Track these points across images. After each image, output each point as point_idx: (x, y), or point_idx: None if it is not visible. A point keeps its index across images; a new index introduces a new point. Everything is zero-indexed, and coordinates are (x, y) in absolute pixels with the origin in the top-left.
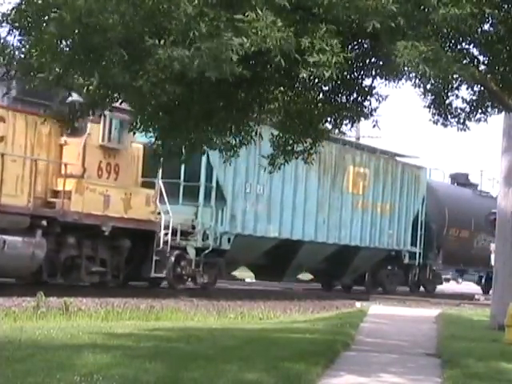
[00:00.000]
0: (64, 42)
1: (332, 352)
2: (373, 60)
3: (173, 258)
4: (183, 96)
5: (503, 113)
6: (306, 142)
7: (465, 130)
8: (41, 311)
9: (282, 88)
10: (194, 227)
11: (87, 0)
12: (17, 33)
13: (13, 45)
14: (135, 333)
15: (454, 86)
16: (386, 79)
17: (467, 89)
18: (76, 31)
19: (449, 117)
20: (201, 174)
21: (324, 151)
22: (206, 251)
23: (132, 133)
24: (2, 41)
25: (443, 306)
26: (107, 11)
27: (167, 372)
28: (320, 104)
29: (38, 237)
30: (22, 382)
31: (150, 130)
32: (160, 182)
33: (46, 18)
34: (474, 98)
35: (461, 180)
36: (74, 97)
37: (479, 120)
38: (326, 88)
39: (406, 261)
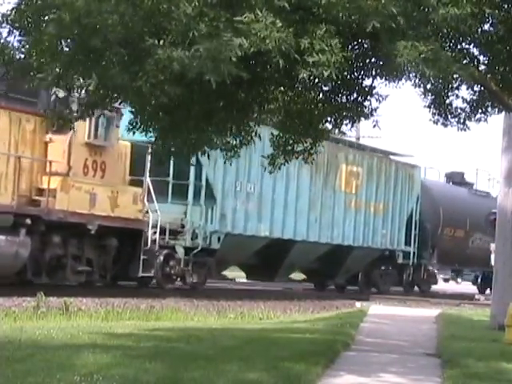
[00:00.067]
0: (63, 43)
1: (332, 352)
2: (373, 60)
3: (161, 258)
4: (183, 96)
5: (503, 113)
6: (306, 142)
7: (465, 130)
8: (41, 311)
9: (282, 88)
10: (183, 226)
11: (86, 0)
12: (17, 33)
13: (12, 45)
14: (135, 333)
15: (454, 85)
16: (386, 79)
17: (467, 89)
18: (75, 32)
19: (449, 117)
20: (190, 172)
21: None
22: (196, 250)
23: (118, 130)
24: (2, 41)
25: (443, 306)
26: (106, 11)
27: (167, 372)
28: (320, 104)
29: (21, 235)
30: (22, 382)
31: (150, 130)
32: (148, 180)
33: (46, 18)
34: (474, 97)
35: (456, 179)
36: (61, 93)
37: (479, 120)
38: (326, 88)
39: (400, 260)
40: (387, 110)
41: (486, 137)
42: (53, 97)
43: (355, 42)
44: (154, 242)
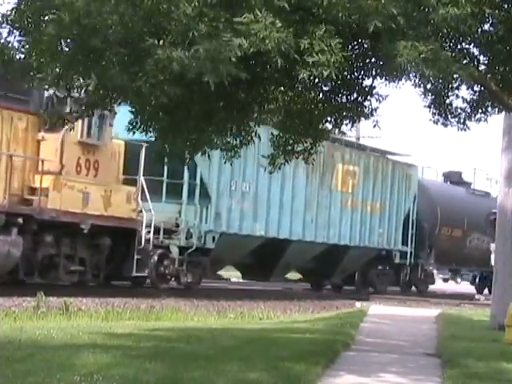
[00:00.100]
0: (63, 43)
1: (332, 352)
2: (373, 60)
3: (156, 257)
4: (183, 96)
5: (503, 113)
6: (306, 142)
7: (465, 130)
8: (41, 311)
9: (282, 88)
10: (177, 225)
11: (86, 1)
12: (17, 33)
13: (12, 45)
14: (135, 333)
15: (454, 85)
16: (386, 79)
17: (467, 89)
18: (75, 32)
19: (449, 117)
20: (184, 171)
21: None
22: (190, 250)
23: (112, 129)
24: (2, 41)
25: (443, 306)
26: (106, 12)
27: (167, 372)
28: (320, 104)
29: (13, 235)
30: (22, 382)
31: (151, 130)
32: (142, 179)
33: (45, 18)
34: (474, 97)
35: (454, 178)
36: (57, 92)
37: (479, 120)
38: (326, 88)
39: (397, 260)
40: (386, 110)
41: (484, 136)
42: (45, 95)
43: (355, 42)
44: (148, 241)
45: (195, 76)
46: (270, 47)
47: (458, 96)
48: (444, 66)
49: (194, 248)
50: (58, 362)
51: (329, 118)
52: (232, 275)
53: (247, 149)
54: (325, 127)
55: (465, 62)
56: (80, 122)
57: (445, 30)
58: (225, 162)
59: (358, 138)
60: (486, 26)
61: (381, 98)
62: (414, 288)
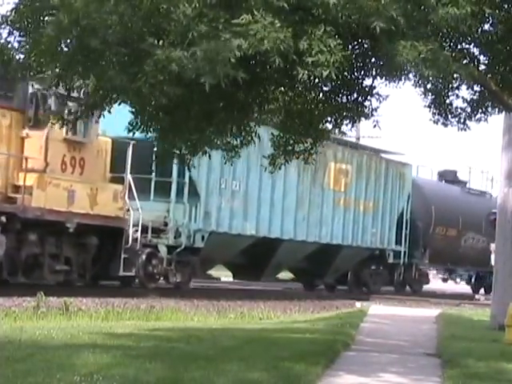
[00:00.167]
0: (63, 43)
1: (332, 352)
2: (373, 60)
3: (144, 256)
4: (183, 97)
5: (503, 112)
6: (306, 142)
7: (465, 130)
8: (41, 311)
9: (282, 88)
10: (166, 224)
11: (85, 1)
12: (17, 34)
13: (12, 45)
14: (135, 333)
15: (454, 85)
16: (386, 79)
17: (467, 89)
18: (74, 33)
19: (449, 116)
20: (173, 169)
21: None
22: (179, 249)
23: (98, 126)
24: (2, 41)
25: (443, 306)
26: (105, 12)
27: (167, 372)
28: (320, 104)
29: None
30: (21, 382)
31: (151, 130)
32: (129, 177)
33: (45, 19)
34: (475, 97)
35: (449, 177)
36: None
37: (479, 120)
38: (327, 88)
39: (391, 260)
40: (383, 109)
41: (480, 135)
42: (29, 92)
43: (355, 42)
44: (135, 240)
45: (194, 76)
46: (269, 47)
47: (458, 96)
48: (444, 65)
49: (182, 247)
50: (57, 362)
51: (329, 118)
52: (222, 275)
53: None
54: (325, 127)
55: (465, 61)
56: None
57: (444, 30)
58: (225, 163)
59: (358, 138)
60: (486, 26)
61: (381, 98)
62: (408, 288)
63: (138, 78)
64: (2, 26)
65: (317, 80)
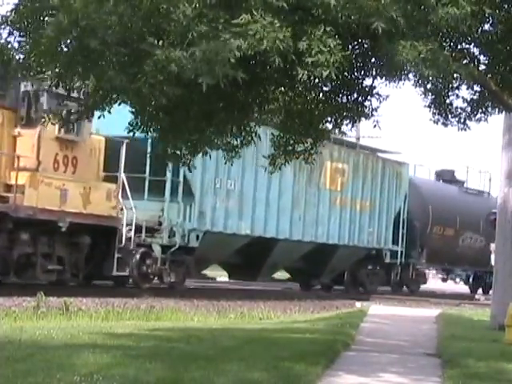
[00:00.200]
0: (63, 44)
1: (332, 352)
2: (373, 60)
3: (138, 256)
4: (183, 97)
5: (503, 112)
6: (306, 142)
7: (465, 130)
8: (41, 311)
9: (282, 88)
10: (160, 224)
11: (84, 2)
12: (17, 34)
13: (12, 45)
14: (135, 333)
15: (454, 85)
16: (386, 79)
17: (467, 88)
18: (73, 34)
19: (449, 116)
20: (167, 168)
21: None
22: (173, 249)
23: (91, 124)
24: (2, 41)
25: (443, 306)
26: (105, 13)
27: (167, 372)
28: (320, 104)
29: None
30: (21, 382)
31: (151, 130)
32: (123, 176)
33: (45, 19)
34: (475, 97)
35: (447, 177)
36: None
37: (480, 120)
38: (327, 88)
39: (388, 260)
40: (383, 109)
41: (478, 135)
42: (21, 90)
43: (355, 42)
44: (129, 239)
45: (193, 76)
46: (268, 47)
47: (458, 96)
48: (443, 65)
49: (177, 247)
50: (57, 362)
51: (329, 118)
52: (218, 275)
53: None
54: (325, 127)
55: (465, 61)
56: None
57: (444, 30)
58: (225, 163)
59: (358, 138)
60: (486, 26)
61: (381, 98)
62: (405, 288)
63: (138, 78)
64: (2, 26)
65: (317, 80)
